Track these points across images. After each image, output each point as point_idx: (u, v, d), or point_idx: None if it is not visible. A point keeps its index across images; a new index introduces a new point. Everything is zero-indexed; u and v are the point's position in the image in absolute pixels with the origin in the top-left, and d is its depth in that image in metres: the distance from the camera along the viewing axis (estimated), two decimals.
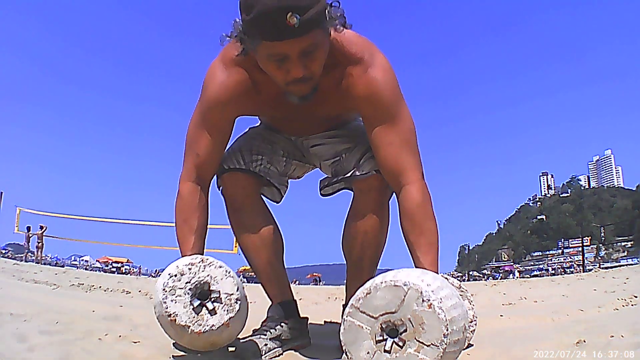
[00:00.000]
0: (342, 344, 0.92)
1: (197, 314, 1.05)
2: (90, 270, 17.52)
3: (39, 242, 14.48)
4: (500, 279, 19.20)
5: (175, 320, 1.03)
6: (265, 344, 1.26)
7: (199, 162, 1.27)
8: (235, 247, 14.81)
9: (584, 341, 1.21)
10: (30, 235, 14.61)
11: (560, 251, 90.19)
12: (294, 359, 1.30)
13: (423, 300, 0.86)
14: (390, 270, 1.00)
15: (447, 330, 0.85)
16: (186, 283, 1.07)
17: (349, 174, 1.33)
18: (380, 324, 0.89)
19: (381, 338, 0.89)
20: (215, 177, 1.36)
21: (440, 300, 0.88)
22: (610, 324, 1.49)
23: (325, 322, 2.08)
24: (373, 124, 1.22)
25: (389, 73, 1.21)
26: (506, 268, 46.91)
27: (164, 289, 1.05)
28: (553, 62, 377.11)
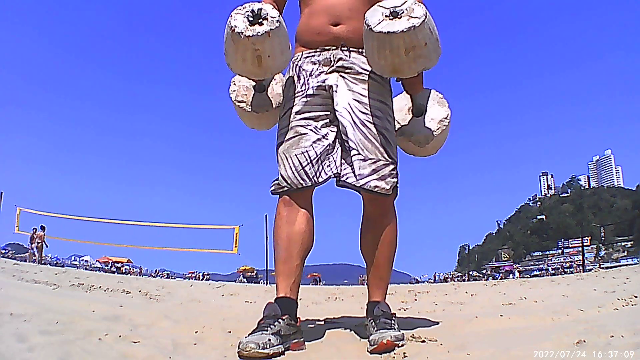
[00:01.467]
0: (365, 19, 1.45)
1: (250, 25, 1.47)
2: (90, 270, 17.52)
3: (39, 243, 14.48)
4: (500, 279, 19.20)
5: (234, 30, 1.46)
6: (269, 339, 1.29)
7: None
8: (235, 247, 14.84)
9: (584, 341, 1.21)
10: (35, 236, 14.59)
11: (560, 251, 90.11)
12: (294, 359, 1.31)
13: (416, 3, 1.43)
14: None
15: (426, 14, 1.40)
16: (245, 11, 1.50)
17: (363, 184, 1.52)
18: (390, 10, 1.43)
19: (388, 14, 1.42)
20: (278, 188, 1.57)
21: (425, 7, 1.43)
22: (610, 324, 1.49)
23: (325, 321, 2.08)
24: None
25: None
26: (506, 268, 46.98)
27: (230, 16, 1.49)
28: (553, 62, 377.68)
